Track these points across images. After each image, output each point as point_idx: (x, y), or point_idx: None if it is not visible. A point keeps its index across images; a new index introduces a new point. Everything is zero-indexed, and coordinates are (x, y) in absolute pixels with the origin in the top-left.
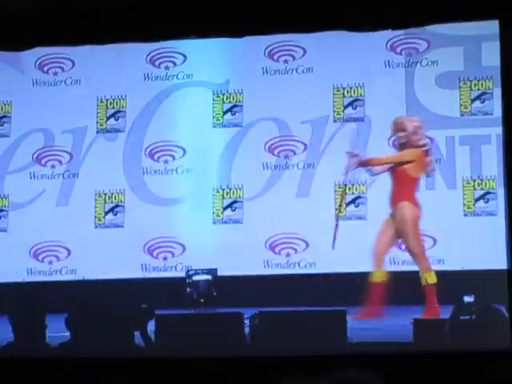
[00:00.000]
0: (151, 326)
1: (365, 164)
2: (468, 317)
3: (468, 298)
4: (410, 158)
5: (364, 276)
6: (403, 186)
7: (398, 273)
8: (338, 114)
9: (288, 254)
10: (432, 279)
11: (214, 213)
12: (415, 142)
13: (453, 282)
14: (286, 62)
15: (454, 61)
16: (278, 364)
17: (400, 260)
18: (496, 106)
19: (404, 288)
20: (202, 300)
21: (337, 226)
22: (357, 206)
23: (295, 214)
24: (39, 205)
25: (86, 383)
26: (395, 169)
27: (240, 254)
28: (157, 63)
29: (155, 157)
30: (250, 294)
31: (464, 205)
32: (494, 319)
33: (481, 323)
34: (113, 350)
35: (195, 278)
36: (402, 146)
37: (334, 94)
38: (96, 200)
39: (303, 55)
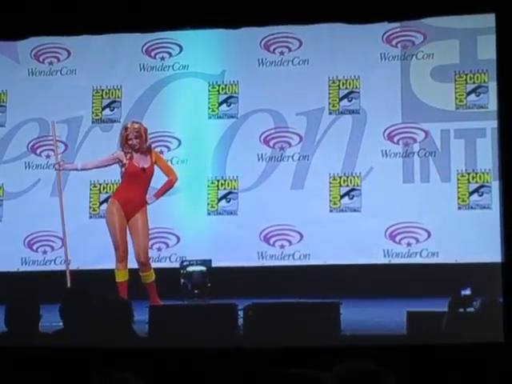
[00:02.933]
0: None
1: None
2: (467, 309)
3: (465, 291)
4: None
5: (358, 268)
6: (147, 189)
7: (394, 265)
8: (334, 106)
9: (282, 246)
10: (150, 278)
11: (208, 204)
12: (146, 145)
13: (446, 275)
14: (281, 53)
15: (449, 54)
16: (271, 356)
17: (394, 253)
18: (491, 99)
19: (399, 280)
20: (196, 291)
21: None
22: (351, 199)
23: (290, 205)
24: (34, 194)
25: (80, 373)
26: (141, 172)
27: (234, 245)
28: (153, 54)
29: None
30: (244, 285)
31: (458, 198)
32: (497, 313)
33: (482, 316)
34: (106, 340)
35: (189, 268)
36: (131, 149)
37: (329, 86)
38: (91, 190)
39: (299, 47)
